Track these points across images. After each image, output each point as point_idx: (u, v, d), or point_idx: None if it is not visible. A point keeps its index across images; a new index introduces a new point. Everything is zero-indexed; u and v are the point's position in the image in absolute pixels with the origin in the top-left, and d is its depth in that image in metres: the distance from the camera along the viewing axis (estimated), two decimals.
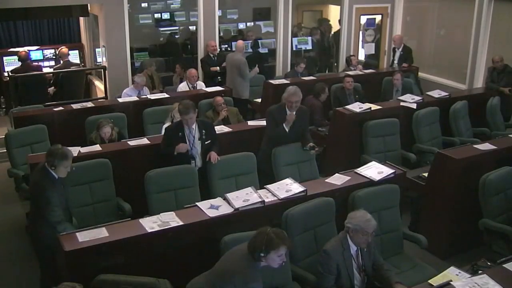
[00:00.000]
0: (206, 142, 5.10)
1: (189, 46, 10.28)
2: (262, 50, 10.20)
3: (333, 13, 11.36)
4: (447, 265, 3.87)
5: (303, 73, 8.75)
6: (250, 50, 9.76)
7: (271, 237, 3.21)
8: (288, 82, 8.16)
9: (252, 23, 11.01)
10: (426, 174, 5.40)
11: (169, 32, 10.30)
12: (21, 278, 4.91)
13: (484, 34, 8.66)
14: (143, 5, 10.17)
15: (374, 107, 6.70)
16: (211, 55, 8.75)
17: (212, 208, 4.12)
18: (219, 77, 8.64)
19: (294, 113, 5.23)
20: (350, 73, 8.67)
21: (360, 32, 10.45)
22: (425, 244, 4.40)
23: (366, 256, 3.80)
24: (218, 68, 8.62)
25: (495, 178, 4.76)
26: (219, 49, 9.12)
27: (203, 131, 5.08)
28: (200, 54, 9.14)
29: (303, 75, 8.66)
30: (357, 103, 6.81)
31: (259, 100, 8.28)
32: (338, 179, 4.66)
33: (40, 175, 4.17)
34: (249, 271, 3.23)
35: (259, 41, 10.28)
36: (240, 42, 8.60)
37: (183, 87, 7.86)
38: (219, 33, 9.52)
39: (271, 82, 8.09)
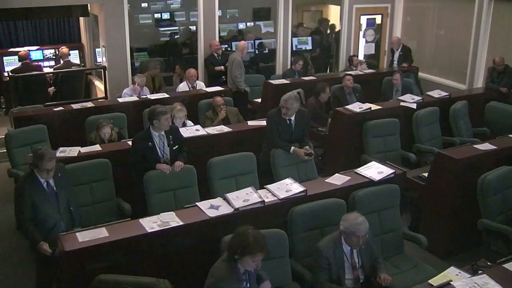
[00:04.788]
0: (174, 148, 4.97)
1: (189, 46, 10.28)
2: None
3: (333, 13, 11.36)
4: (447, 265, 3.86)
5: (300, 71, 8.76)
6: (252, 50, 9.78)
7: (249, 242, 3.19)
8: (288, 82, 8.17)
9: (252, 23, 11.01)
10: (426, 174, 5.39)
11: (169, 32, 10.30)
12: (21, 279, 4.90)
13: (484, 34, 8.66)
14: (143, 5, 10.16)
15: (374, 107, 6.69)
16: (215, 55, 8.74)
17: (212, 208, 4.11)
18: (223, 77, 8.62)
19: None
20: (351, 73, 8.67)
21: (361, 32, 10.46)
22: (425, 244, 4.40)
23: (364, 254, 3.81)
24: (222, 67, 8.60)
25: (493, 178, 4.76)
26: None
27: (170, 136, 4.96)
28: (200, 54, 9.13)
29: (302, 75, 8.68)
30: (357, 103, 6.80)
31: (259, 100, 8.28)
32: (338, 179, 4.66)
33: (24, 176, 4.21)
34: (223, 271, 3.24)
35: (259, 41, 10.30)
36: (242, 42, 8.59)
37: (183, 87, 7.86)
38: (219, 33, 9.52)
39: (271, 82, 8.10)
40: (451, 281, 3.41)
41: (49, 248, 3.98)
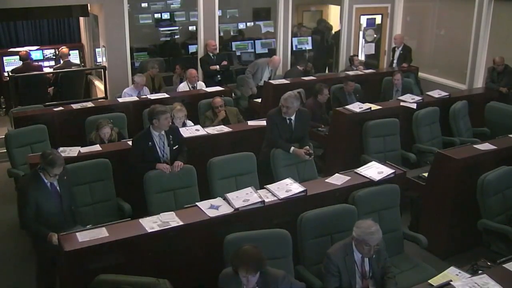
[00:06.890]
0: (174, 148, 4.98)
1: (189, 46, 10.29)
2: (263, 50, 10.23)
3: (333, 13, 11.37)
4: (447, 265, 3.87)
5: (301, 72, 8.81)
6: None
7: (235, 254, 3.25)
8: (288, 82, 8.17)
9: (252, 23, 11.02)
10: (426, 174, 5.39)
11: (169, 32, 10.31)
12: (20, 279, 4.90)
13: (484, 34, 8.66)
14: (143, 5, 10.17)
15: (374, 107, 6.69)
16: (211, 54, 8.77)
17: (212, 208, 4.12)
18: (219, 76, 8.65)
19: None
20: (351, 73, 8.67)
21: (361, 32, 10.46)
22: (425, 244, 4.39)
23: (374, 263, 3.74)
24: (217, 67, 8.63)
25: (493, 178, 4.75)
26: (218, 49, 9.13)
27: (170, 136, 4.97)
28: (200, 54, 9.14)
29: (302, 75, 8.70)
30: (357, 103, 6.80)
31: (259, 100, 8.28)
32: (338, 179, 4.66)
33: (28, 176, 4.21)
34: (228, 276, 3.32)
35: (260, 41, 10.33)
36: (276, 57, 8.81)
37: (183, 87, 7.86)
38: (219, 33, 9.53)
39: (271, 82, 8.10)
40: (451, 281, 3.41)
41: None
